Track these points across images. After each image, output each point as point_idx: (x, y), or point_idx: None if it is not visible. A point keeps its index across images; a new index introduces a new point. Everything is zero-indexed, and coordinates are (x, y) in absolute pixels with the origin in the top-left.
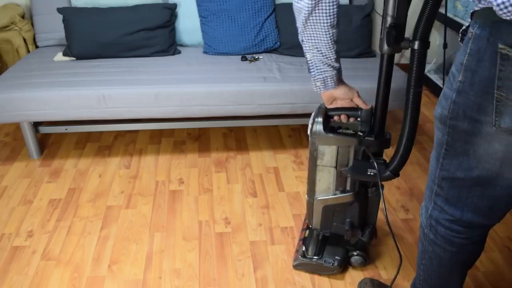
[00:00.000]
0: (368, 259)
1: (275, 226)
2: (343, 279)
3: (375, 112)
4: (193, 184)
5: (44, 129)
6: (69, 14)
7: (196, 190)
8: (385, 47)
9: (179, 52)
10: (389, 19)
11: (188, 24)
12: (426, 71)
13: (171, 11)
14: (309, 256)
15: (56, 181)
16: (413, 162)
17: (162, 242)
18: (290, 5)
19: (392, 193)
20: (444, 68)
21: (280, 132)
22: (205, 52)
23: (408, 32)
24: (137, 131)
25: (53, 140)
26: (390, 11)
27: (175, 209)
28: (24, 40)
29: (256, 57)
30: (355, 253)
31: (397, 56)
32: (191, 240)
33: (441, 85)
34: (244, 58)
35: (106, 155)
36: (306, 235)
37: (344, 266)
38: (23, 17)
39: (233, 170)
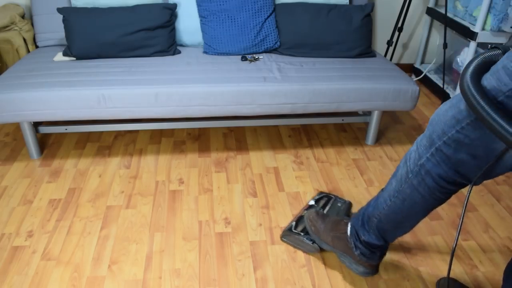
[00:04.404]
0: None
1: (275, 226)
2: (343, 279)
3: None
4: (193, 184)
5: (44, 129)
6: (69, 14)
7: (196, 190)
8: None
9: (179, 52)
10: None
11: (188, 24)
12: (426, 71)
13: (171, 11)
14: (295, 231)
15: (56, 181)
16: None
17: (162, 242)
18: (290, 5)
19: None
20: (444, 68)
21: (280, 132)
22: (205, 52)
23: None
24: (137, 131)
25: (53, 140)
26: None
27: (175, 209)
28: (24, 40)
29: (256, 57)
30: None
31: (397, 56)
32: (191, 240)
33: (441, 85)
34: (244, 58)
35: (106, 155)
36: (303, 213)
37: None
38: (23, 17)
39: (233, 170)
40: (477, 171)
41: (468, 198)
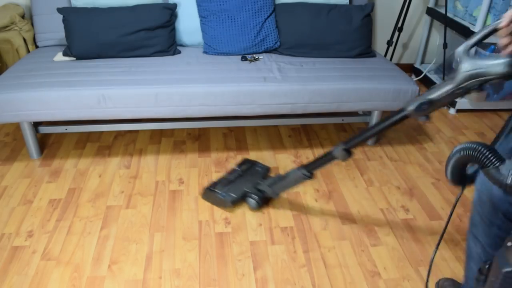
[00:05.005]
0: (260, 205)
1: (275, 226)
2: (343, 279)
3: None
4: (193, 184)
5: (44, 129)
6: (69, 14)
7: (196, 190)
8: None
9: (179, 52)
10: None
11: (188, 24)
12: (426, 71)
13: (171, 11)
14: (211, 189)
15: (56, 181)
16: (413, 162)
17: (162, 242)
18: (290, 5)
19: (392, 193)
20: (444, 68)
21: (280, 132)
22: (205, 52)
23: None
24: (137, 131)
25: (53, 140)
26: (434, 93)
27: (175, 209)
28: (24, 40)
29: (256, 57)
30: (252, 196)
31: (397, 56)
32: (191, 240)
33: None
34: (244, 58)
35: (106, 155)
36: (226, 176)
37: (237, 204)
38: (23, 17)
39: None
40: None
41: (458, 200)
